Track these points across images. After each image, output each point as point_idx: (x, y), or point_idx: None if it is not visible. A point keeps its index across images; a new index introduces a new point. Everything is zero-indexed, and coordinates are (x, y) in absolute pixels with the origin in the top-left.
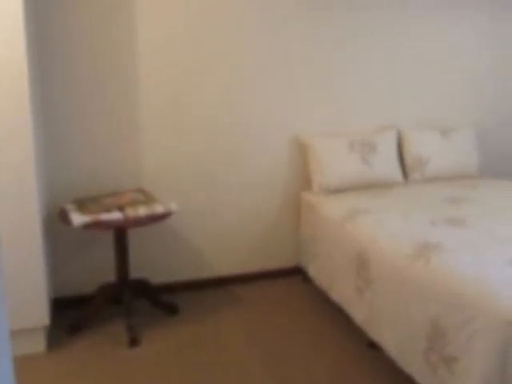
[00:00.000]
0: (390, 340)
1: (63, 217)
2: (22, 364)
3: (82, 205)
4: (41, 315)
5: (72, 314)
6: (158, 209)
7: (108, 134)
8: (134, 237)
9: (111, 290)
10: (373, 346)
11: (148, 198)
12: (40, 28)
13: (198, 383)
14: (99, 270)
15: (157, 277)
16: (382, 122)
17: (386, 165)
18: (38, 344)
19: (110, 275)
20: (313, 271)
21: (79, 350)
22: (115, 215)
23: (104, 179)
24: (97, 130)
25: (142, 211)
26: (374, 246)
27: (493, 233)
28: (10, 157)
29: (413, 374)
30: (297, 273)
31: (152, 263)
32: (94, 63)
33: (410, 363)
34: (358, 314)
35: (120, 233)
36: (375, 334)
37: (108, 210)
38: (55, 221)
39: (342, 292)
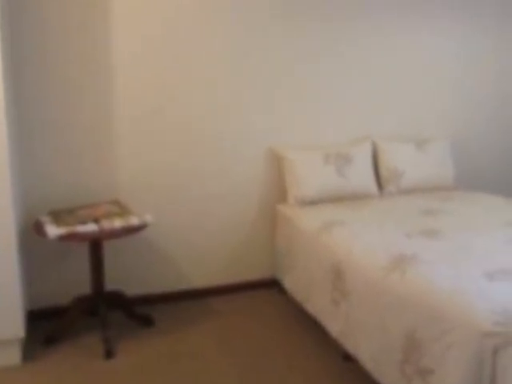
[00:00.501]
0: (365, 352)
1: (38, 229)
2: None
3: (57, 217)
4: (16, 327)
5: (47, 326)
6: (134, 221)
7: (83, 145)
8: (109, 249)
9: (86, 301)
10: (348, 358)
11: (123, 210)
12: (14, 39)
13: None
14: (75, 282)
15: (132, 289)
16: (358, 134)
17: (361, 177)
18: (13, 356)
19: (85, 287)
20: (288, 283)
21: (55, 362)
22: (90, 227)
23: (79, 191)
24: (72, 142)
25: (117, 223)
26: (349, 258)
27: (468, 245)
28: None
29: None
30: (272, 285)
31: (128, 275)
32: (68, 75)
33: (386, 375)
34: (334, 326)
35: (95, 245)
36: (351, 346)
37: (83, 221)
38: (30, 233)
39: (317, 304)
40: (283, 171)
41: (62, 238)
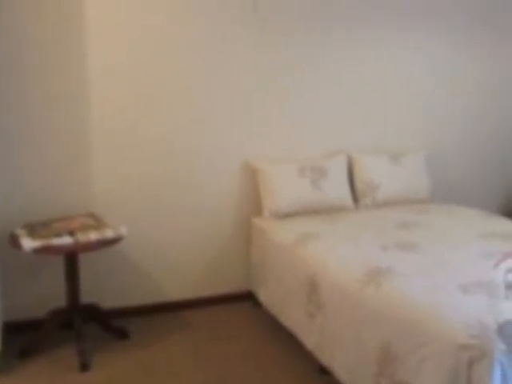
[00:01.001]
0: (341, 365)
1: (14, 241)
2: None
3: (32, 229)
4: None
5: (23, 339)
6: (109, 233)
7: (58, 158)
8: (84, 261)
9: (62, 314)
10: (324, 371)
11: (98, 223)
12: None
13: None
14: (50, 295)
15: (108, 301)
16: (333, 147)
17: (336, 190)
18: None
19: (60, 300)
20: (263, 296)
21: (30, 375)
22: (66, 240)
23: (54, 204)
24: (47, 155)
25: (92, 236)
26: (325, 271)
27: (443, 258)
28: None
29: None
30: (248, 298)
31: (103, 288)
32: (43, 88)
33: None
34: (309, 338)
35: (71, 257)
36: (326, 358)
37: (59, 234)
38: (6, 245)
39: (292, 317)
40: (258, 184)
41: (38, 251)
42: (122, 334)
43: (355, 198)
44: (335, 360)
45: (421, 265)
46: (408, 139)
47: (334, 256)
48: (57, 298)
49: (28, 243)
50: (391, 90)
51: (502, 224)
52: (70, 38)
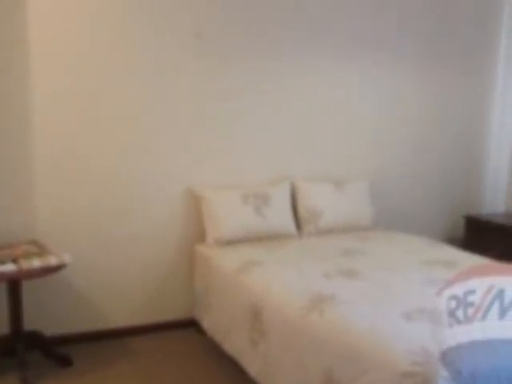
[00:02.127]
0: None
1: None
2: None
3: None
4: None
5: None
6: (52, 261)
7: (1, 185)
8: (27, 288)
9: (4, 342)
10: None
11: (42, 250)
12: None
13: None
14: None
15: (51, 328)
16: (277, 174)
17: (279, 217)
18: None
19: (3, 327)
20: (207, 323)
21: None
22: (9, 267)
23: None
24: None
25: (35, 263)
26: (268, 298)
27: (386, 285)
28: None
29: None
30: (192, 325)
31: (46, 315)
32: None
33: None
34: (253, 366)
35: (13, 284)
36: None
37: (1, 261)
38: None
39: (236, 344)
40: (202, 211)
41: None
42: (65, 362)
43: (298, 225)
44: None
45: (364, 292)
46: (352, 167)
47: (277, 283)
48: None
49: None
50: (336, 118)
51: (445, 251)
52: (13, 63)
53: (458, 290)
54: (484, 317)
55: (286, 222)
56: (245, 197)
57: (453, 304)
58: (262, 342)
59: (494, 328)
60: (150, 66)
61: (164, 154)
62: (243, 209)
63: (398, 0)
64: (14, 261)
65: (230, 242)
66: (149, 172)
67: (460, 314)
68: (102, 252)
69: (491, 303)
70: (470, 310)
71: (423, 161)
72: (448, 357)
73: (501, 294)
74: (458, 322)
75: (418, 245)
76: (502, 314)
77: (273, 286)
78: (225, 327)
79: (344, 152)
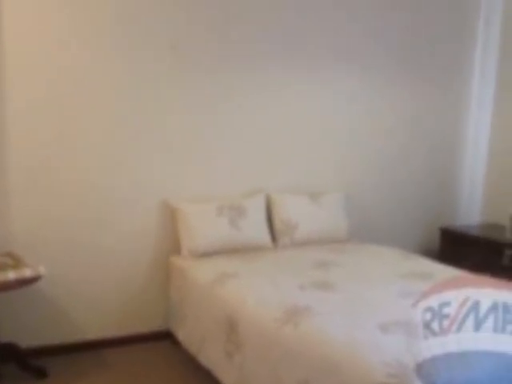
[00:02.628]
0: None
1: None
2: None
3: None
4: None
5: None
6: (27, 273)
7: None
8: (3, 300)
9: None
10: None
11: (17, 262)
12: None
13: None
14: None
15: (26, 340)
16: (252, 186)
17: (254, 229)
18: None
19: None
20: (182, 335)
21: None
22: None
23: None
24: None
25: (10, 275)
26: (243, 310)
27: (362, 297)
28: None
29: None
30: (167, 337)
31: (22, 327)
32: None
33: None
34: (228, 378)
35: None
36: None
37: None
38: None
39: (211, 356)
40: (177, 223)
41: None
42: (40, 374)
43: (274, 237)
44: None
45: (339, 304)
46: (327, 179)
47: (252, 295)
48: None
49: None
50: (311, 130)
51: (420, 263)
52: None
53: (433, 301)
54: (459, 329)
55: (261, 234)
56: (220, 209)
57: (428, 316)
58: (237, 354)
59: (469, 340)
60: (124, 78)
61: (139, 166)
62: (218, 221)
63: (372, 12)
64: None
65: (205, 254)
66: (124, 184)
67: (435, 325)
68: (77, 264)
69: (466, 315)
70: (445, 322)
71: (398, 173)
72: (423, 369)
73: (476, 305)
74: (433, 333)
75: (394, 257)
76: (477, 326)
77: (248, 298)
78: (200, 339)
79: (319, 164)
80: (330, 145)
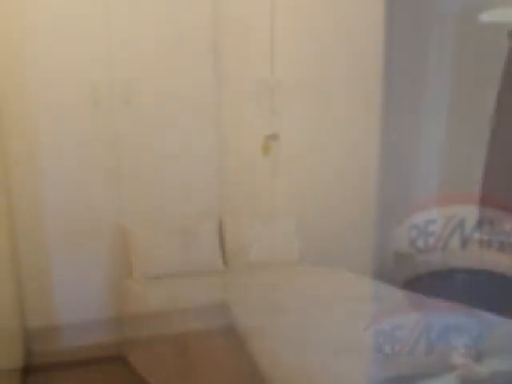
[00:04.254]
0: None
1: None
2: None
3: None
4: None
5: None
6: None
7: None
8: None
9: None
10: None
11: None
12: None
13: None
14: None
15: None
16: (203, 209)
17: (206, 252)
18: None
19: None
20: (134, 359)
21: None
22: None
23: None
24: None
25: None
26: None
27: (314, 320)
28: None
29: None
30: (119, 360)
31: None
32: None
33: None
34: None
35: None
36: None
37: None
38: None
39: (162, 379)
40: (129, 245)
41: None
42: None
43: (225, 260)
44: None
45: (291, 327)
46: (279, 201)
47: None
48: None
49: None
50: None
51: (373, 286)
52: None
53: (386, 325)
54: (411, 352)
55: (213, 256)
56: (171, 231)
57: (380, 339)
58: (190, 376)
59: (422, 362)
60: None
61: (91, 188)
62: (170, 243)
63: None
64: None
65: (158, 277)
66: (75, 207)
67: (388, 348)
68: None
69: (418, 338)
70: (397, 347)
71: (349, 194)
72: None
73: (428, 329)
74: (386, 356)
75: (346, 280)
76: (430, 348)
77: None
78: (152, 363)
79: (270, 188)
80: (281, 167)
